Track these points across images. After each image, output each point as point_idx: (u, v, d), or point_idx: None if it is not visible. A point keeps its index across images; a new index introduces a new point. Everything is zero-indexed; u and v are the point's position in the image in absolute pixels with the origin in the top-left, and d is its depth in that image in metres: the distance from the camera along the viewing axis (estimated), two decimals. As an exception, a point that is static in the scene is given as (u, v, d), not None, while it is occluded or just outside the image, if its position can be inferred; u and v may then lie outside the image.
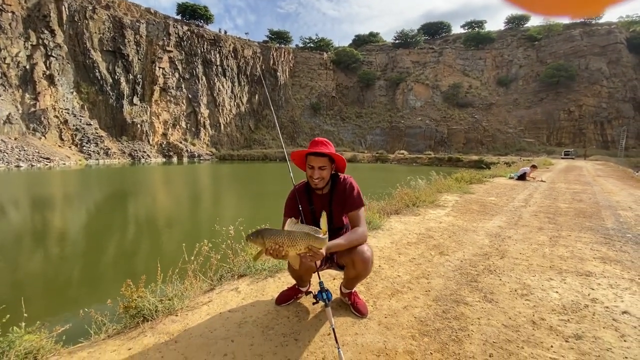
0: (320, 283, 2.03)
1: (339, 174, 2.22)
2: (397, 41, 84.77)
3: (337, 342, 1.78)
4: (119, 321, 2.22)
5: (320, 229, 1.71)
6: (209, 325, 2.13)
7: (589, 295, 2.64)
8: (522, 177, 12.20)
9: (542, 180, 12.06)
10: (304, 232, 1.60)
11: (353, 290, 2.33)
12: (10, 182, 21.32)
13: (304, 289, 2.44)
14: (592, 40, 66.84)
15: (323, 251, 1.67)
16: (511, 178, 12.72)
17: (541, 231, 4.69)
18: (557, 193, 8.93)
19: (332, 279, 2.84)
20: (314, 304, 2.08)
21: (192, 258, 2.77)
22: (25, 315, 1.99)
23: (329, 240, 1.85)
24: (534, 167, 13.39)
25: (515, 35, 76.75)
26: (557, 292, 2.68)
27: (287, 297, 2.40)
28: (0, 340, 1.85)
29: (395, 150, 61.53)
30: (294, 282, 2.45)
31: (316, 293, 2.01)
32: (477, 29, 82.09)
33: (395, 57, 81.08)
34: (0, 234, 8.62)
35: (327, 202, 2.17)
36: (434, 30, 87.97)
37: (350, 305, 2.30)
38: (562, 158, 43.60)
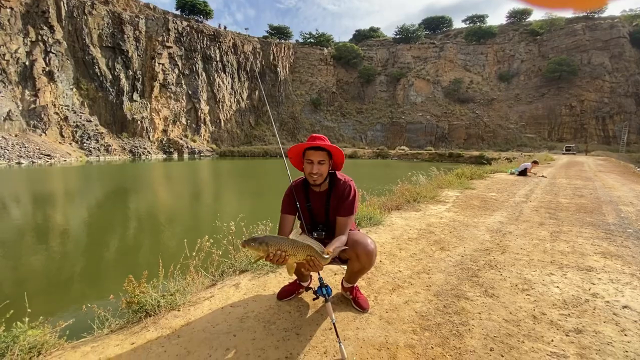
0: (320, 279, 2.04)
1: (338, 174, 2.22)
2: (397, 36, 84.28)
3: (338, 336, 1.79)
4: (121, 316, 2.24)
5: (326, 248, 1.79)
6: (211, 320, 2.14)
7: (589, 290, 2.64)
8: (523, 172, 12.18)
9: (543, 176, 12.04)
10: (307, 243, 1.66)
11: (355, 285, 2.33)
12: (12, 179, 21.36)
13: (305, 284, 2.45)
14: (595, 34, 66.36)
15: (322, 267, 1.75)
16: (512, 174, 12.70)
17: (542, 226, 4.69)
18: (558, 188, 8.92)
19: (333, 275, 2.85)
20: (314, 299, 2.09)
21: (194, 254, 2.78)
22: (28, 310, 2.00)
23: (324, 239, 1.95)
24: (535, 162, 13.35)
25: (517, 29, 76.21)
26: (558, 287, 2.69)
27: (288, 292, 2.42)
28: (4, 335, 1.86)
29: (395, 146, 61.41)
30: (295, 277, 2.46)
31: (316, 289, 2.02)
32: (478, 24, 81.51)
33: (396, 52, 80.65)
34: (3, 230, 8.66)
35: (325, 200, 2.17)
36: (435, 24, 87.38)
37: (352, 300, 2.31)
38: (564, 153, 43.49)
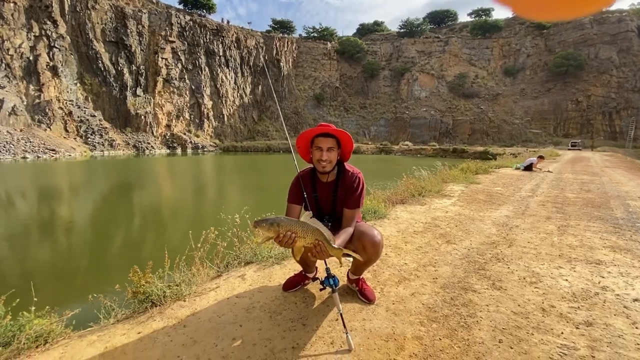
0: (327, 269, 2.02)
1: (346, 165, 2.19)
2: (402, 30, 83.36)
3: (345, 327, 1.77)
4: (127, 306, 2.24)
5: (333, 237, 1.78)
6: (217, 311, 2.14)
7: (599, 283, 2.61)
8: (528, 167, 12.06)
9: (549, 171, 11.91)
10: (316, 227, 1.66)
11: (361, 277, 2.31)
12: (18, 173, 21.53)
13: (310, 275, 2.43)
14: (603, 28, 65.22)
15: (328, 254, 1.70)
16: (517, 169, 12.59)
17: (549, 220, 4.64)
18: (565, 183, 8.82)
19: (339, 266, 2.83)
20: (321, 289, 2.07)
21: (199, 245, 2.78)
22: (35, 299, 2.00)
23: (330, 230, 1.90)
24: (540, 157, 13.22)
25: (524, 23, 75.02)
26: (566, 280, 2.65)
27: (294, 284, 2.40)
28: (11, 324, 1.87)
29: (399, 141, 61.10)
30: (300, 268, 2.45)
31: (323, 279, 2.00)
32: (484, 17, 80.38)
33: (400, 47, 79.86)
34: (10, 223, 8.74)
35: (332, 190, 2.14)
36: (440, 18, 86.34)
37: (358, 292, 2.29)
38: (569, 149, 43.04)
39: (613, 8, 69.77)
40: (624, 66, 62.13)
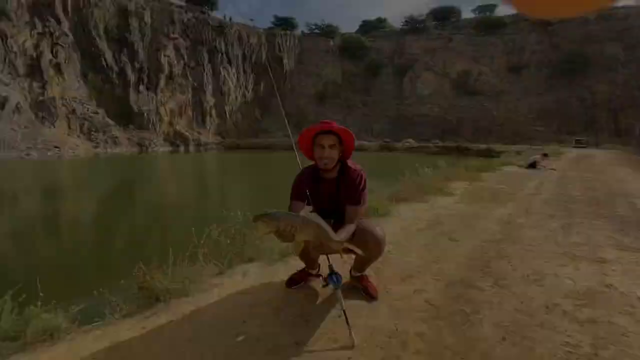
0: (330, 266, 2.03)
1: (349, 162, 2.18)
2: (405, 27, 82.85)
3: (348, 323, 1.78)
4: (132, 302, 2.25)
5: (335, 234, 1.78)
6: (221, 307, 2.16)
7: (603, 281, 2.60)
8: (532, 165, 11.99)
9: (553, 169, 11.84)
10: (316, 222, 1.66)
11: (364, 274, 2.32)
12: (23, 171, 21.69)
13: (313, 272, 2.44)
14: (609, 24, 64.42)
15: (330, 249, 1.73)
16: (521, 166, 12.53)
17: (553, 218, 4.62)
18: (569, 181, 8.77)
19: (342, 263, 2.83)
20: (323, 286, 2.08)
21: (202, 242, 2.79)
22: (41, 294, 2.02)
23: (333, 227, 1.90)
24: (544, 155, 13.15)
25: (528, 20, 74.24)
26: (570, 278, 2.65)
27: (297, 280, 2.41)
28: (17, 318, 1.89)
29: (402, 139, 60.83)
30: (303, 265, 2.46)
31: (326, 276, 2.00)
32: (488, 14, 79.67)
33: (404, 44, 79.38)
34: (16, 219, 8.82)
35: (335, 188, 2.14)
36: (443, 15, 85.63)
37: (361, 289, 2.30)
38: (574, 147, 42.67)
39: (619, 4, 69.00)
40: (629, 63, 61.39)
